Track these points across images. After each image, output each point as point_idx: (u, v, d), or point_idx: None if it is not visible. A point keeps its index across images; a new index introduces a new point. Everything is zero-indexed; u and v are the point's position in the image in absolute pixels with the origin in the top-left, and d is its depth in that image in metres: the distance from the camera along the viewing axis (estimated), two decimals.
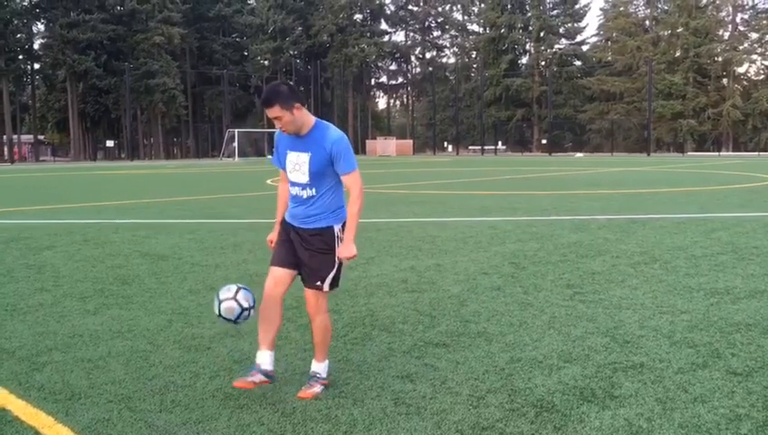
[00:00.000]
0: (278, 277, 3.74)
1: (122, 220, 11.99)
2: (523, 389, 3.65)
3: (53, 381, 3.84)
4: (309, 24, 78.50)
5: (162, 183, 25.45)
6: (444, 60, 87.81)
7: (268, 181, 24.14)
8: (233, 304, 3.70)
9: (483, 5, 79.87)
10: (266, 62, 79.16)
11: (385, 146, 69.55)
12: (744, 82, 67.47)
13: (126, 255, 8.16)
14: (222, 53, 76.09)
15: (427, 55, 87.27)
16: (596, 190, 18.25)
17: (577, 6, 75.32)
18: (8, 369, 4.08)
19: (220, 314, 3.73)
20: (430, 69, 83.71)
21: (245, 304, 3.71)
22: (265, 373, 3.62)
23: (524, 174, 27.78)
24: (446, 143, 79.04)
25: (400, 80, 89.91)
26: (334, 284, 3.72)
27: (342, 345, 4.49)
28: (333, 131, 3.65)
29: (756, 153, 56.84)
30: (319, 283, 3.69)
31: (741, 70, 67.72)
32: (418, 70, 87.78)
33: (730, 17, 68.35)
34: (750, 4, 67.41)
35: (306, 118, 3.63)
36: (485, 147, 69.54)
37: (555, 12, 75.81)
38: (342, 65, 77.04)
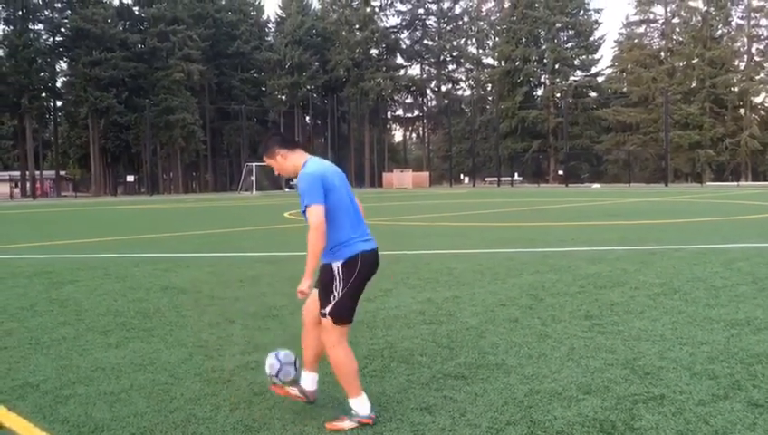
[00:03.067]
0: (308, 300, 3.94)
1: (143, 254, 12.12)
2: (542, 421, 3.65)
3: (77, 415, 3.89)
4: (326, 59, 79.50)
5: (181, 217, 25.70)
6: (459, 92, 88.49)
7: (286, 214, 24.29)
8: (293, 373, 3.93)
9: (497, 39, 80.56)
10: (284, 97, 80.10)
11: (401, 178, 69.78)
12: (762, 112, 67.28)
13: (147, 288, 8.25)
14: (240, 89, 77.15)
15: (443, 88, 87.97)
16: (613, 221, 18.19)
17: (591, 39, 75.76)
18: (32, 402, 4.14)
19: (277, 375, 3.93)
20: (446, 102, 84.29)
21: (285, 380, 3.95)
22: (301, 390, 3.92)
23: (541, 205, 27.75)
24: (462, 175, 79.19)
25: (416, 113, 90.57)
26: (337, 319, 3.73)
27: (362, 378, 4.50)
28: (305, 168, 3.75)
29: None
30: (322, 311, 3.78)
31: (758, 100, 67.64)
32: (434, 103, 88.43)
33: (745, 48, 68.43)
34: (766, 34, 67.51)
35: (296, 160, 3.84)
36: (502, 178, 69.58)
37: (570, 44, 76.28)
38: (359, 99, 77.77)
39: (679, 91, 66.05)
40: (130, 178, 70.43)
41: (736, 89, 66.35)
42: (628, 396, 4.03)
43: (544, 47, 75.90)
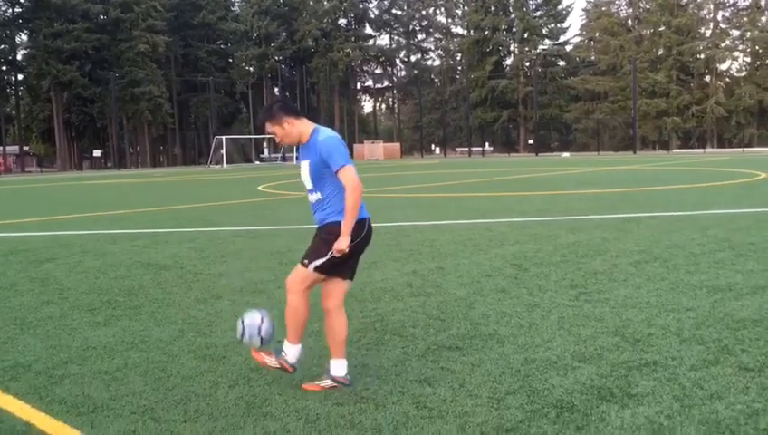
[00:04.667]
0: (295, 271, 3.94)
1: (118, 231, 11.96)
2: (541, 390, 3.71)
3: (74, 395, 3.85)
4: (293, 29, 78.50)
5: (153, 192, 25.37)
6: (429, 63, 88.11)
7: (260, 188, 24.12)
8: (255, 339, 3.88)
9: (466, 8, 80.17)
10: (251, 69, 79.08)
11: (372, 150, 69.58)
12: (727, 79, 68.18)
13: (128, 265, 8.15)
14: (207, 61, 75.91)
15: (412, 58, 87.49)
16: (587, 190, 18.38)
17: (560, 7, 75.77)
18: (27, 383, 4.08)
19: (242, 342, 3.96)
20: (415, 72, 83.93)
21: (266, 338, 3.91)
22: (280, 363, 3.90)
23: (514, 175, 27.91)
24: (433, 145, 79.23)
25: (386, 83, 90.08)
26: (320, 269, 3.80)
27: (357, 351, 4.52)
28: (322, 134, 3.81)
29: (741, 149, 57.35)
30: (306, 261, 3.81)
31: (723, 67, 68.52)
32: (404, 73, 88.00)
33: (711, 15, 69.02)
34: (731, 1, 68.10)
35: (303, 128, 3.86)
36: (472, 148, 69.75)
37: (538, 13, 76.23)
38: (328, 70, 77.07)
39: (647, 60, 66.56)
40: (97, 153, 69.32)
41: (702, 56, 67.06)
42: (622, 363, 4.10)
43: (513, 16, 75.78)
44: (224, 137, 58.93)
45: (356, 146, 74.16)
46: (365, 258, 7.69)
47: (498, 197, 17.13)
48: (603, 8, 74.08)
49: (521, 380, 3.87)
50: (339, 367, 3.86)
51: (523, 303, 5.69)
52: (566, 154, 58.68)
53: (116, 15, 65.26)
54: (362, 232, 3.82)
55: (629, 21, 73.08)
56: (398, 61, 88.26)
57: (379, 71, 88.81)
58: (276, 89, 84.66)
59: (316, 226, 3.94)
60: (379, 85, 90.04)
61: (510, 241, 9.13)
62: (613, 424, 3.23)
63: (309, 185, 3.88)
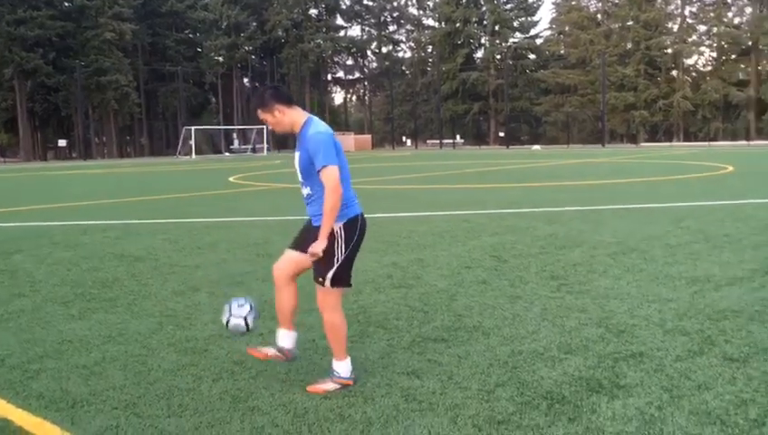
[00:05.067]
0: (284, 257, 3.89)
1: (89, 222, 11.72)
2: (530, 381, 3.69)
3: (52, 389, 3.74)
4: (263, 19, 77.71)
5: (122, 183, 24.96)
6: (400, 54, 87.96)
7: (231, 179, 23.86)
8: (241, 324, 3.83)
9: (438, 0, 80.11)
10: (221, 59, 78.18)
11: (344, 141, 69.19)
12: (693, 74, 69.13)
13: (100, 257, 7.98)
14: (175, 50, 74.84)
15: (384, 50, 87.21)
16: (560, 182, 18.50)
17: (530, 0, 76.09)
18: (1, 378, 3.95)
19: (227, 326, 3.88)
20: (387, 64, 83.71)
21: (251, 326, 3.88)
22: (279, 349, 3.84)
23: (486, 167, 28.01)
24: (404, 138, 79.17)
25: (357, 75, 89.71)
26: (337, 282, 3.69)
27: None
28: (312, 127, 3.67)
29: (706, 142, 58.28)
30: (321, 279, 3.69)
31: (690, 61, 69.43)
32: (375, 65, 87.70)
33: (679, 10, 69.89)
34: None
35: (296, 117, 3.72)
36: (444, 141, 69.88)
37: (509, 6, 76.45)
38: (298, 61, 76.49)
39: (615, 54, 67.21)
40: (62, 143, 68.00)
41: (670, 51, 67.88)
42: (609, 354, 4.10)
43: (484, 8, 75.90)
44: (193, 127, 58.21)
45: None
46: None
47: (473, 189, 17.16)
48: (573, 2, 74.58)
49: (509, 371, 3.85)
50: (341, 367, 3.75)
51: (506, 294, 5.68)
52: (536, 147, 59.04)
53: (81, 2, 63.93)
54: (355, 232, 3.70)
55: (599, 15, 73.69)
56: (369, 52, 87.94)
57: (350, 62, 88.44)
58: (246, 79, 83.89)
59: (308, 217, 3.83)
60: (350, 77, 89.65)
61: (488, 233, 9.13)
62: (604, 415, 3.22)
63: (300, 178, 3.77)
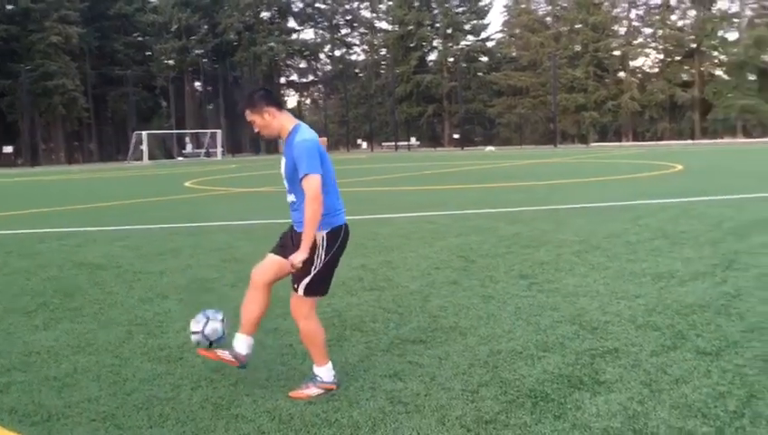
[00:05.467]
0: (265, 261, 3.83)
1: (44, 229, 11.40)
2: (512, 380, 3.71)
3: (24, 403, 3.62)
4: (215, 21, 76.75)
5: (74, 189, 24.36)
6: (354, 57, 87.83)
7: (187, 184, 23.51)
8: (219, 328, 3.78)
9: (390, 3, 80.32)
10: (171, 62, 76.93)
11: None
12: (640, 75, 70.58)
13: (59, 265, 7.77)
14: (124, 53, 73.35)
15: (337, 53, 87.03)
16: (517, 183, 18.72)
17: (481, 3, 76.82)
18: None
19: (202, 331, 3.79)
20: (340, 66, 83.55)
21: (212, 338, 3.77)
22: (235, 355, 3.72)
23: (443, 169, 28.17)
24: (359, 140, 79.10)
25: (311, 78, 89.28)
26: (311, 291, 3.65)
27: None
28: (299, 135, 3.63)
29: (654, 142, 59.70)
30: (296, 285, 3.65)
31: (637, 63, 70.91)
32: (329, 67, 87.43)
33: (625, 13, 71.41)
34: (643, 0, 70.66)
35: (285, 122, 3.68)
36: (399, 143, 70.06)
37: (461, 9, 77.05)
38: (252, 64, 75.79)
39: (565, 56, 68.28)
40: (7, 150, 65.88)
41: (617, 53, 69.26)
42: (585, 351, 4.16)
43: (436, 11, 76.38)
44: (144, 132, 57.18)
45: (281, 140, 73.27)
46: None
47: (432, 190, 17.23)
48: (523, 5, 75.55)
49: (490, 371, 3.87)
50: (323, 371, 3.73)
51: (478, 294, 5.71)
52: (491, 148, 59.64)
53: (26, 5, 62.23)
54: (337, 242, 3.66)
55: (548, 18, 74.82)
56: (322, 55, 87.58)
57: (303, 65, 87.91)
58: (198, 83, 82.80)
59: (291, 222, 3.80)
60: (303, 80, 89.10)
61: (452, 234, 9.18)
62: (589, 412, 3.26)
63: (286, 184, 3.72)
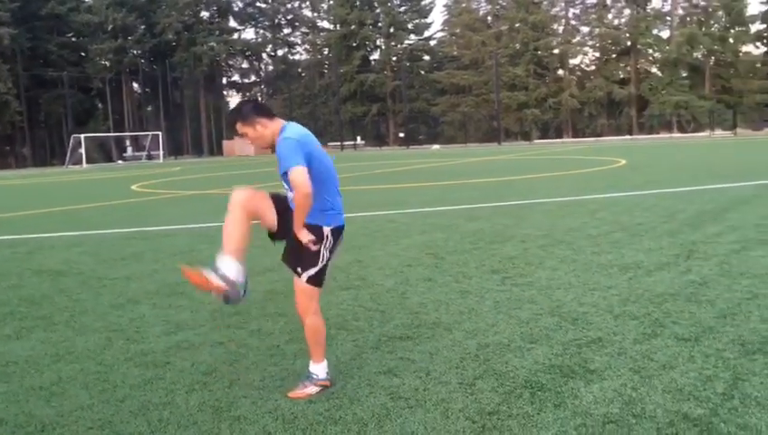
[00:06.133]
0: (257, 192, 3.65)
1: None
2: (505, 372, 3.79)
3: (13, 413, 3.52)
4: (152, 21, 75.22)
5: (14, 196, 23.56)
6: (296, 57, 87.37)
7: (133, 187, 23.00)
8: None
9: (332, 2, 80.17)
10: (108, 63, 75.04)
11: (243, 146, 68.12)
12: (579, 73, 72.32)
13: (18, 273, 7.53)
14: (58, 54, 71.20)
15: (279, 53, 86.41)
16: (470, 180, 18.94)
17: (423, 2, 77.41)
18: None
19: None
20: (283, 66, 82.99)
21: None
22: (224, 278, 3.41)
23: (393, 168, 28.30)
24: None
25: (253, 78, 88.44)
26: (314, 280, 3.67)
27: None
28: (284, 133, 3.63)
29: (594, 138, 61.23)
30: (299, 269, 3.63)
31: (575, 61, 72.59)
32: (271, 68, 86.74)
33: (563, 12, 73.00)
34: None
35: (275, 129, 3.66)
36: (344, 142, 70.02)
37: (403, 8, 77.49)
38: (192, 64, 74.60)
39: (506, 54, 69.36)
40: None
41: (556, 51, 70.78)
42: (571, 342, 4.27)
43: (379, 10, 76.60)
44: (82, 135, 55.63)
45: (226, 142, 72.53)
46: (274, 254, 7.60)
47: (387, 189, 17.30)
48: (463, 4, 76.44)
49: (483, 364, 3.94)
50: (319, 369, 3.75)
51: (454, 290, 5.79)
52: (436, 146, 60.19)
53: None
54: (339, 238, 3.73)
55: (489, 17, 75.89)
56: (264, 55, 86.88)
57: (245, 65, 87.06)
58: (136, 84, 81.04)
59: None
60: (246, 80, 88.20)
61: (416, 231, 9.26)
62: (586, 399, 3.36)
63: (283, 183, 3.70)
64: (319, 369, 3.69)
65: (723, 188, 12.90)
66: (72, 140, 56.43)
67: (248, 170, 33.01)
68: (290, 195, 3.64)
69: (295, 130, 3.65)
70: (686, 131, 60.60)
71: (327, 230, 3.61)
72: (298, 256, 3.64)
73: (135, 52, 76.13)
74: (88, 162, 54.91)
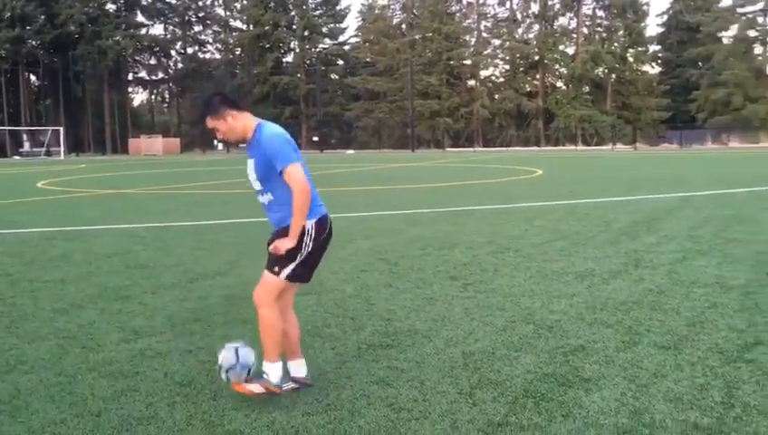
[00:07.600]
0: (262, 281, 3.67)
1: None
2: (501, 381, 3.72)
3: None
4: (54, 12, 71.69)
5: None
6: (207, 56, 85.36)
7: (39, 184, 21.73)
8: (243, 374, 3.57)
9: (245, 2, 78.89)
10: (3, 53, 70.96)
11: (150, 145, 65.99)
12: (490, 84, 74.11)
13: None
14: None
15: (189, 50, 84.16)
16: (395, 185, 18.96)
17: (338, 7, 77.41)
18: None
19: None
20: (193, 65, 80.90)
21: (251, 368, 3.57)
22: (295, 380, 3.64)
23: (313, 171, 27.88)
24: (215, 141, 76.96)
25: (161, 75, 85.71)
26: (295, 276, 3.57)
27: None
28: (266, 130, 3.57)
29: (504, 148, 62.88)
30: (276, 269, 3.53)
31: (486, 73, 74.41)
32: (181, 65, 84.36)
33: (475, 24, 74.66)
34: (491, 13, 74.31)
35: (247, 123, 3.60)
36: None
37: (318, 12, 77.21)
38: (96, 58, 71.58)
39: (420, 63, 70.29)
40: None
41: (468, 62, 72.36)
42: (555, 350, 4.25)
43: (293, 13, 76.03)
44: None
45: (132, 140, 70.05)
46: (222, 258, 7.30)
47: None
48: (378, 11, 76.94)
49: (474, 372, 3.86)
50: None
51: (419, 296, 5.70)
52: (350, 151, 60.22)
53: None
54: (325, 230, 3.61)
55: (403, 25, 76.67)
56: (173, 52, 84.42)
57: (153, 61, 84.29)
58: (34, 77, 77.07)
59: (274, 229, 3.66)
60: (153, 77, 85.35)
61: (359, 236, 9.11)
62: (592, 409, 3.33)
63: (257, 186, 3.61)
64: (272, 369, 3.53)
65: (645, 199, 13.42)
66: None
67: (162, 169, 31.92)
68: (263, 198, 3.61)
69: (277, 127, 3.60)
70: (590, 145, 63.19)
71: (309, 224, 3.53)
72: (278, 257, 3.53)
73: (34, 42, 72.38)
74: None
